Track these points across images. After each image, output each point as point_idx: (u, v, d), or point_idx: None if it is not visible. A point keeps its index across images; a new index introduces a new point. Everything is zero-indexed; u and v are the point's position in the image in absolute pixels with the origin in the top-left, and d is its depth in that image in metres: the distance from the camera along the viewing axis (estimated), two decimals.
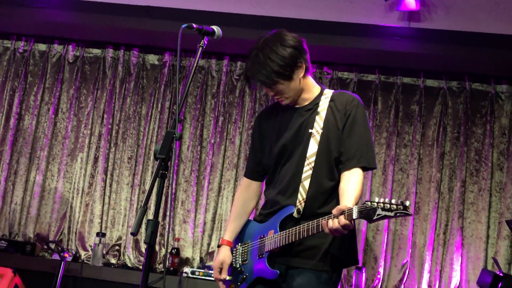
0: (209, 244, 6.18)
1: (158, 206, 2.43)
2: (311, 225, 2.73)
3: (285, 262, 2.91)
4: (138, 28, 6.00)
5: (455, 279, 5.81)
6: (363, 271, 5.79)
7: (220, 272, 3.10)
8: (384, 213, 2.50)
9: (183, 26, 2.63)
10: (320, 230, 2.71)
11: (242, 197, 3.25)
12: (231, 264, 3.13)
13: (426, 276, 5.87)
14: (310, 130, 2.94)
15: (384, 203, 2.51)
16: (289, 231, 2.83)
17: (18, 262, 5.81)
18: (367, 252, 6.00)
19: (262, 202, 3.33)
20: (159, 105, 6.39)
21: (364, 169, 2.93)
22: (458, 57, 5.76)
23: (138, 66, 6.51)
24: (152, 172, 6.28)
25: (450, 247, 5.89)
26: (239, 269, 3.08)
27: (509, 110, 6.07)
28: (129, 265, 6.11)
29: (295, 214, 2.88)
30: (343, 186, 2.84)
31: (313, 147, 2.92)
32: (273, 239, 2.89)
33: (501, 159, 6.02)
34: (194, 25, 2.66)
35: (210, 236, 6.19)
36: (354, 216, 2.56)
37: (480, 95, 6.14)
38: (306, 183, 2.89)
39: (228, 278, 3.11)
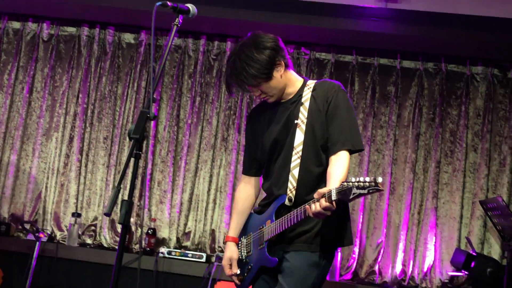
0: (185, 225, 6.18)
1: (133, 186, 2.42)
2: (299, 211, 2.82)
3: (281, 249, 3.02)
4: (114, 6, 5.92)
5: (429, 258, 5.89)
6: (338, 250, 5.83)
7: (231, 267, 3.23)
8: (358, 191, 2.55)
9: (157, 4, 2.60)
10: (302, 217, 2.81)
11: (242, 194, 3.35)
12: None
13: (400, 255, 5.93)
14: (295, 121, 3.03)
15: (358, 181, 2.56)
16: (281, 219, 2.93)
17: None
18: None
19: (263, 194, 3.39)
20: (135, 85, 6.34)
21: (350, 152, 2.98)
22: (434, 38, 5.78)
23: (113, 45, 6.44)
24: (128, 152, 6.23)
25: (424, 227, 5.96)
26: (244, 260, 3.19)
27: (484, 91, 6.12)
28: (105, 245, 6.09)
29: (287, 202, 2.98)
30: (329, 170, 2.92)
31: (299, 137, 3.01)
32: (270, 228, 3.00)
33: (476, 140, 6.08)
34: (169, 3, 2.63)
35: (187, 217, 6.19)
36: (333, 198, 2.62)
37: (456, 77, 6.18)
38: (295, 172, 2.99)
39: (236, 270, 3.23)
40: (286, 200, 2.99)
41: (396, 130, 6.15)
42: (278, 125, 3.11)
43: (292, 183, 2.99)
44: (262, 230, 3.08)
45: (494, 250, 5.90)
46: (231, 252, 3.23)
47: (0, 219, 6.17)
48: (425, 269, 5.89)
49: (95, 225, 6.20)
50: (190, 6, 2.71)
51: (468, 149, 6.06)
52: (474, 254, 5.30)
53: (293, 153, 3.01)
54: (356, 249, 5.98)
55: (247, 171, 3.36)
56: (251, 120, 3.33)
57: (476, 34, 5.62)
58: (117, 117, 6.33)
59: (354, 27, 5.81)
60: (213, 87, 6.30)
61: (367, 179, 2.55)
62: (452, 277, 5.78)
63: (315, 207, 2.69)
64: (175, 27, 2.67)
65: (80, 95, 6.35)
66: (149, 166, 6.21)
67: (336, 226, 3.02)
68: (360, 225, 6.01)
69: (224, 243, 3.35)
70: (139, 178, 6.27)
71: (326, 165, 3.00)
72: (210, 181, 6.21)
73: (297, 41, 6.29)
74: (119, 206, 2.40)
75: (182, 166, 6.22)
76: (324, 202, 2.65)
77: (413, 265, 5.93)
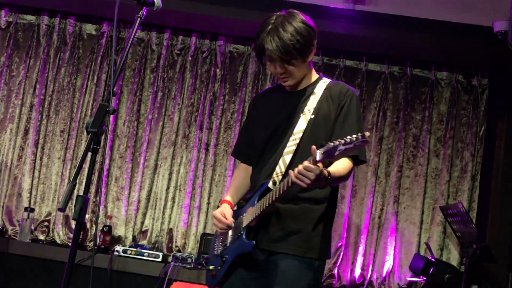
0: (142, 223, 6.12)
1: (89, 181, 2.39)
2: (281, 184, 2.73)
3: (266, 247, 2.91)
4: None
5: (388, 263, 5.95)
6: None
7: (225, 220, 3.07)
8: (344, 147, 2.52)
9: None
10: (290, 185, 2.69)
11: (240, 175, 3.25)
12: (213, 254, 3.18)
13: (360, 259, 5.98)
14: (301, 114, 2.98)
15: (345, 139, 2.53)
16: (264, 198, 2.84)
17: None
18: None
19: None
20: (95, 77, 6.25)
21: (355, 161, 2.92)
22: (400, 42, 5.84)
23: (74, 35, 6.34)
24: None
25: (384, 231, 6.03)
26: (219, 254, 3.10)
27: (448, 97, 6.22)
28: (58, 242, 6.00)
29: (270, 185, 2.90)
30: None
31: (301, 125, 2.95)
32: (250, 213, 2.93)
33: (438, 145, 6.16)
34: None
35: (144, 215, 6.14)
36: (318, 158, 2.57)
37: (421, 81, 6.27)
38: (287, 158, 2.92)
39: (210, 267, 3.14)
40: (270, 183, 2.90)
41: None
42: (282, 114, 3.04)
43: (280, 168, 2.91)
44: (242, 218, 3.00)
45: (453, 256, 6.00)
46: (225, 207, 3.10)
47: None
48: (384, 274, 5.95)
49: (48, 221, 6.09)
50: None
51: (430, 155, 6.15)
52: (433, 260, 5.38)
53: (291, 138, 2.94)
54: None
55: (244, 159, 3.26)
56: (255, 105, 3.24)
57: (442, 39, 5.70)
58: (75, 110, 6.24)
59: (321, 27, 5.68)
60: (176, 83, 6.26)
61: (354, 136, 2.53)
62: (411, 282, 5.85)
63: (297, 168, 2.61)
64: (138, 19, 2.65)
65: (38, 86, 6.23)
66: (107, 161, 6.13)
67: (324, 235, 2.95)
68: None
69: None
70: (96, 173, 6.19)
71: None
72: (170, 179, 6.17)
73: None
74: (74, 201, 2.37)
75: (141, 163, 6.16)
76: (306, 163, 2.59)
77: (372, 270, 5.99)
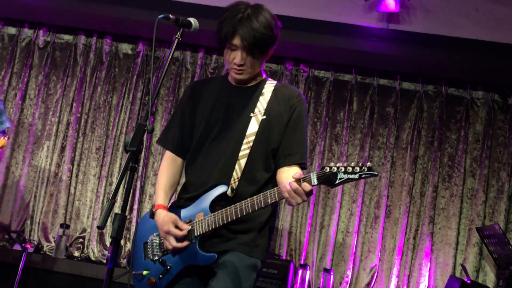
0: None
1: (126, 199, 2.41)
2: (257, 199, 2.69)
3: (214, 248, 2.84)
4: (112, 15, 5.94)
5: (423, 284, 5.88)
6: (331, 273, 5.83)
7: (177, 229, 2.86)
8: (347, 176, 2.50)
9: (160, 16, 2.60)
10: (265, 204, 2.69)
11: (168, 171, 3.05)
12: (147, 257, 2.97)
13: (394, 280, 5.93)
14: (251, 114, 2.92)
15: (345, 166, 2.51)
16: (228, 209, 2.76)
17: None
18: (335, 254, 6.04)
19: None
20: (131, 96, 6.35)
21: (302, 168, 2.92)
22: (435, 61, 5.82)
23: (110, 54, 6.46)
24: (120, 164, 6.24)
25: (419, 252, 5.96)
26: (159, 260, 2.90)
27: (484, 116, 6.16)
28: (93, 258, 6.06)
29: (228, 193, 2.83)
30: (285, 176, 2.80)
31: (253, 127, 2.90)
32: (205, 221, 2.81)
33: (474, 165, 6.10)
34: (171, 16, 2.64)
35: None
36: (314, 182, 2.55)
37: (456, 100, 6.22)
38: (242, 162, 2.86)
39: (144, 272, 2.93)
40: (229, 190, 2.83)
41: (394, 152, 6.17)
42: (227, 109, 2.96)
43: (237, 173, 2.84)
44: (191, 224, 2.84)
45: (489, 278, 5.90)
46: (169, 215, 2.88)
47: None
48: None
49: (83, 237, 6.17)
50: (192, 20, 2.72)
51: (466, 175, 6.08)
52: (468, 282, 5.30)
53: (244, 141, 2.88)
54: (350, 273, 5.97)
55: (174, 149, 3.06)
56: (193, 94, 3.07)
57: (477, 58, 5.66)
58: (111, 128, 6.33)
59: (355, 46, 5.85)
60: None
61: (353, 164, 2.51)
62: None
63: (293, 186, 2.55)
64: (176, 40, 2.68)
65: (74, 104, 6.35)
66: (142, 179, 6.21)
67: (268, 236, 2.94)
68: (353, 248, 6.01)
69: (153, 214, 2.95)
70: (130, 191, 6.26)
71: (272, 173, 2.91)
72: None
73: (296, 58, 6.33)
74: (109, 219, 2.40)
75: None
76: (308, 185, 2.54)
77: None
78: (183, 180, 3.07)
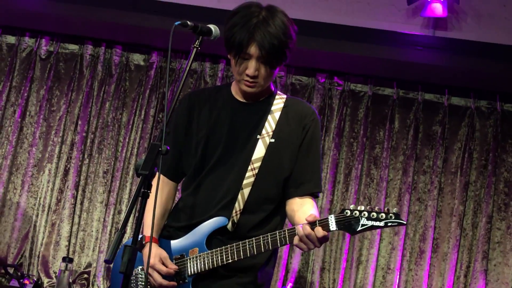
0: None
1: (138, 230, 2.41)
2: (264, 240, 2.67)
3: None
4: (123, 22, 6.00)
5: None
6: None
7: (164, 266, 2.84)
8: (370, 223, 2.49)
9: (176, 23, 2.62)
10: (274, 247, 2.67)
11: (160, 197, 2.99)
12: None
13: None
14: (258, 136, 2.89)
15: (368, 211, 2.50)
16: (228, 248, 2.75)
17: None
18: None
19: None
20: (143, 112, 6.40)
21: (315, 196, 2.92)
22: (489, 73, 5.78)
23: (120, 66, 6.52)
24: (130, 190, 6.26)
25: None
26: None
27: None
28: None
29: (229, 227, 2.82)
30: (298, 210, 2.78)
31: (259, 151, 2.87)
32: (200, 259, 2.80)
33: None
34: (189, 23, 2.65)
35: None
36: (332, 228, 2.54)
37: None
38: (246, 191, 2.84)
39: None
40: (229, 224, 2.81)
41: (441, 177, 6.12)
42: (233, 128, 2.92)
43: (239, 204, 2.82)
44: (184, 261, 2.84)
45: None
46: (157, 249, 2.85)
47: None
48: None
49: (88, 273, 6.19)
50: (212, 27, 2.72)
51: None
52: None
53: (249, 168, 2.85)
54: None
55: (166, 172, 3.00)
56: (190, 108, 3.00)
57: None
58: (120, 149, 6.37)
59: (396, 56, 5.84)
60: None
61: (377, 208, 2.50)
62: None
63: (306, 230, 2.53)
64: (194, 49, 2.68)
65: (79, 122, 6.41)
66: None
67: (270, 274, 2.93)
68: (396, 287, 5.95)
69: (142, 246, 2.89)
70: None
71: (279, 202, 2.89)
72: None
73: (330, 70, 6.33)
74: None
75: None
76: (321, 231, 2.53)
77: None
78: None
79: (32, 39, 6.59)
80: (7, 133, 6.43)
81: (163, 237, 2.96)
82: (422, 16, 5.66)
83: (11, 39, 6.60)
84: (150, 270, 2.83)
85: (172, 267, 2.82)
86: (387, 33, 5.72)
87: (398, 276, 5.97)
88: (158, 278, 2.81)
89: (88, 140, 6.41)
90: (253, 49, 2.75)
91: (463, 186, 6.06)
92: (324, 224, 2.55)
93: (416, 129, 6.22)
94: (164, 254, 2.85)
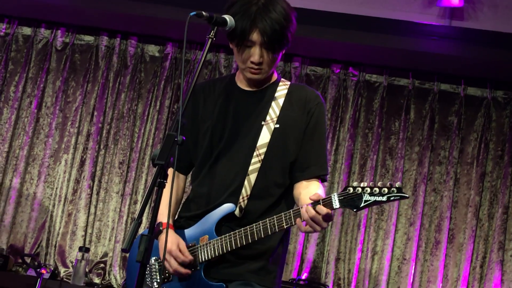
0: None
1: (154, 219, 2.43)
2: (271, 222, 2.69)
3: (220, 276, 2.83)
4: (138, 13, 6.02)
5: None
6: None
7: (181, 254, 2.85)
8: (373, 198, 2.49)
9: (192, 14, 2.62)
10: (280, 229, 2.68)
11: (176, 186, 3.05)
12: (145, 284, 2.93)
13: None
14: (262, 122, 2.91)
15: (370, 187, 2.50)
16: (236, 233, 2.76)
17: None
18: (390, 284, 5.99)
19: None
20: (158, 104, 6.42)
21: (322, 180, 2.92)
22: (505, 62, 5.76)
23: (136, 57, 6.54)
24: (146, 180, 6.30)
25: (487, 283, 5.87)
26: None
27: None
28: (115, 286, 6.12)
29: (236, 213, 2.83)
30: (304, 193, 2.78)
31: (264, 137, 2.88)
32: (210, 246, 2.82)
33: None
34: (204, 13, 2.66)
35: None
36: (335, 205, 2.55)
37: None
38: (252, 177, 2.85)
39: None
40: (237, 209, 2.82)
41: (457, 167, 6.10)
42: (237, 117, 2.94)
43: (246, 190, 2.84)
44: (195, 249, 2.85)
45: None
46: (175, 237, 2.87)
47: None
48: None
49: (104, 262, 6.23)
50: (227, 17, 2.73)
51: None
52: None
53: (254, 154, 2.87)
54: None
55: (176, 165, 2.95)
56: (196, 98, 3.02)
57: None
58: (136, 140, 6.40)
59: (412, 46, 5.83)
60: None
61: (380, 183, 2.50)
62: None
63: (311, 211, 2.55)
64: (209, 40, 2.69)
65: (95, 113, 6.44)
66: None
67: (280, 261, 2.93)
68: (411, 277, 5.95)
69: (158, 233, 2.90)
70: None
71: (287, 187, 2.90)
72: None
73: (345, 60, 6.32)
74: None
75: None
76: (324, 209, 2.54)
77: None
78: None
79: (48, 31, 6.62)
80: (23, 124, 6.47)
81: (176, 228, 2.97)
82: (438, 6, 5.64)
83: (27, 31, 6.64)
84: (167, 256, 2.85)
85: (188, 257, 2.83)
86: (403, 23, 5.70)
87: (413, 267, 5.97)
88: (174, 264, 2.83)
89: (104, 131, 6.44)
90: (255, 36, 2.77)
91: (479, 176, 6.05)
92: (328, 203, 2.56)
93: (432, 119, 6.21)
94: (181, 242, 2.87)
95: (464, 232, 6.00)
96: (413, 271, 5.97)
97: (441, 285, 5.93)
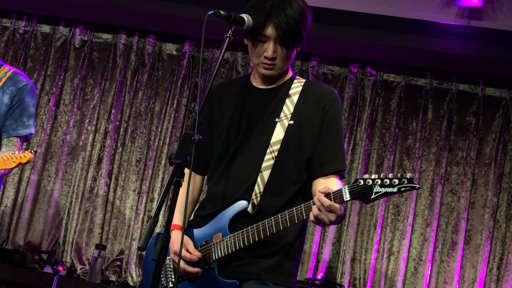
0: None
1: (170, 218, 2.44)
2: (282, 217, 2.67)
3: (234, 274, 2.82)
4: (156, 12, 6.04)
5: None
6: None
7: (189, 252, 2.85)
8: (384, 189, 2.47)
9: (210, 12, 2.63)
10: (292, 223, 2.66)
11: (192, 186, 3.07)
12: (160, 284, 2.93)
13: None
14: (276, 119, 2.90)
15: (381, 178, 2.48)
16: (249, 229, 2.75)
17: (5, 273, 5.86)
18: (406, 285, 5.97)
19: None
20: (175, 102, 6.43)
21: (340, 176, 2.90)
22: None
23: (153, 55, 6.56)
24: (163, 179, 6.31)
25: (504, 285, 5.84)
26: None
27: None
28: (131, 283, 6.14)
29: (249, 209, 2.82)
30: (320, 187, 2.72)
31: (278, 134, 2.88)
32: (223, 243, 2.80)
33: None
34: (222, 12, 2.67)
35: None
36: (346, 198, 2.53)
37: None
38: (265, 174, 2.84)
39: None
40: (249, 206, 2.81)
41: (475, 168, 6.07)
42: (252, 115, 2.95)
43: (259, 187, 2.83)
44: (208, 247, 2.84)
45: None
46: (185, 239, 2.87)
47: (15, 247, 6.29)
48: None
49: (121, 260, 6.26)
50: (245, 16, 2.73)
51: None
52: None
53: (268, 151, 2.86)
54: None
55: (198, 169, 3.06)
56: (212, 100, 3.04)
57: None
58: (153, 138, 6.42)
59: (430, 46, 5.81)
60: None
61: (391, 175, 2.48)
62: None
63: (323, 202, 2.52)
64: (227, 39, 2.70)
65: (113, 111, 6.47)
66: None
67: (295, 259, 2.90)
68: (427, 278, 5.92)
69: (166, 232, 2.73)
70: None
71: (303, 184, 2.88)
72: None
73: (362, 60, 6.30)
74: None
75: None
76: (327, 200, 2.52)
77: None
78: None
79: (66, 29, 6.66)
80: (41, 121, 6.51)
81: (191, 227, 2.98)
82: (457, 6, 5.60)
83: (46, 28, 6.68)
84: (174, 257, 2.87)
85: (196, 253, 2.83)
86: (421, 22, 5.68)
87: (430, 268, 5.95)
88: (182, 264, 2.84)
89: (121, 129, 6.47)
90: (269, 30, 2.78)
91: (497, 177, 6.01)
92: (338, 195, 2.54)
93: (449, 120, 6.17)
94: (189, 241, 2.87)
95: (481, 233, 5.96)
96: (429, 272, 5.94)
97: (457, 286, 5.90)
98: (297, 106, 2.92)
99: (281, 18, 2.76)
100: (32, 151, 3.59)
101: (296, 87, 2.97)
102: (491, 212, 5.96)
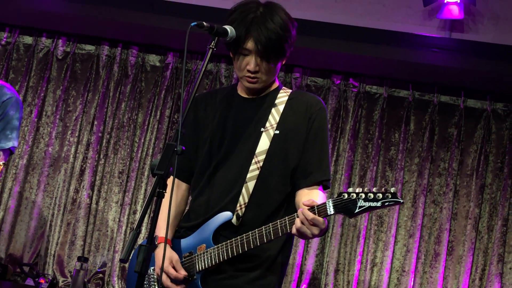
0: None
1: (153, 229, 2.43)
2: (266, 230, 2.67)
3: (218, 287, 2.82)
4: (139, 23, 6.03)
5: None
6: None
7: (174, 270, 2.84)
8: (368, 204, 2.48)
9: (192, 24, 2.63)
10: (276, 236, 2.66)
11: (177, 197, 3.04)
12: None
13: None
14: (261, 128, 2.89)
15: (365, 193, 2.49)
16: (233, 241, 2.74)
17: None
18: None
19: None
20: (158, 113, 6.42)
21: (324, 186, 2.89)
22: (505, 75, 5.75)
23: (136, 67, 6.55)
24: (145, 190, 6.29)
25: None
26: None
27: None
28: None
29: (233, 221, 2.80)
30: (304, 199, 2.72)
31: (264, 144, 2.86)
32: (207, 254, 2.80)
33: None
34: (205, 23, 2.67)
35: None
36: (330, 212, 2.53)
37: None
38: (250, 184, 2.82)
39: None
40: (234, 218, 2.79)
41: (457, 179, 6.10)
42: (235, 125, 2.93)
43: (244, 198, 2.81)
44: (192, 258, 2.84)
45: None
46: (170, 252, 2.86)
47: None
48: None
49: (103, 273, 6.22)
50: (228, 28, 2.74)
51: None
52: None
53: (253, 161, 2.84)
54: None
55: (177, 174, 2.94)
56: (197, 108, 3.03)
57: None
58: (136, 149, 6.40)
59: (412, 58, 5.83)
60: None
61: (374, 189, 2.49)
62: None
63: (306, 216, 2.52)
64: (210, 50, 2.70)
65: (95, 122, 6.45)
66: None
67: (279, 272, 2.89)
68: None
69: (154, 245, 2.68)
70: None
71: (287, 195, 2.86)
72: None
73: (345, 71, 6.32)
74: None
75: None
76: (310, 214, 2.51)
77: None
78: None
79: (49, 40, 6.63)
80: (23, 133, 6.47)
81: (175, 238, 2.96)
82: (439, 18, 5.65)
83: (28, 40, 6.65)
84: (160, 272, 2.82)
85: (182, 272, 2.82)
86: (403, 34, 5.71)
87: (412, 279, 5.96)
88: (167, 281, 2.83)
89: (104, 140, 6.44)
90: (250, 44, 2.78)
91: (479, 188, 6.04)
92: (322, 209, 2.54)
93: (431, 131, 6.20)
94: (175, 257, 2.86)
95: (463, 244, 5.98)
96: (412, 283, 5.95)
97: None
98: (283, 116, 2.91)
99: (261, 32, 2.75)
100: (1, 164, 3.58)
101: (282, 97, 2.96)
102: (473, 223, 5.98)
